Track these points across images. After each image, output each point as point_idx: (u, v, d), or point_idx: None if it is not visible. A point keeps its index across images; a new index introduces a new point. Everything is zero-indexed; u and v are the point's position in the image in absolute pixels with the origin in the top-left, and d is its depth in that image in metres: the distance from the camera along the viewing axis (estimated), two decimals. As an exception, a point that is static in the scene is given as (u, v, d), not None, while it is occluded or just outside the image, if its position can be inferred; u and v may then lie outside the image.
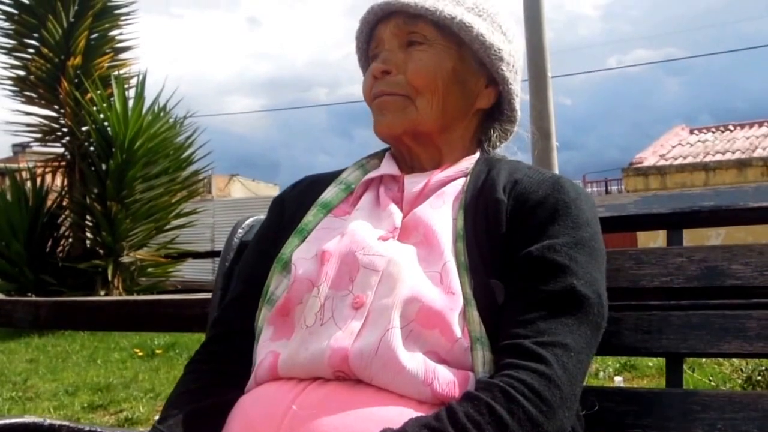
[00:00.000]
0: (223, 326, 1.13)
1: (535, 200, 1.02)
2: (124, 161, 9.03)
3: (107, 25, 10.11)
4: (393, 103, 1.12)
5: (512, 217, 1.02)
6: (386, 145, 1.22)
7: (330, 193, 1.15)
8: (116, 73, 9.75)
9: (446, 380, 0.90)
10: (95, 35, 10.01)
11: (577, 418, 0.96)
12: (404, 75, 1.12)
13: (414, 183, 1.10)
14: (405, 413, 0.87)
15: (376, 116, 1.14)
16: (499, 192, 1.04)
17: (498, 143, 1.23)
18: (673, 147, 14.93)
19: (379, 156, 1.21)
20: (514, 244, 0.99)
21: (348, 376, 0.92)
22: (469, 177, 1.09)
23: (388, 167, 1.15)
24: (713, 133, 15.60)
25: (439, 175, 1.10)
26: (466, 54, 1.14)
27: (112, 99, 9.24)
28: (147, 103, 9.45)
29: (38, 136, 10.20)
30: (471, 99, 1.16)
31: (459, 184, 1.10)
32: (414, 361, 0.91)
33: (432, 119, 1.12)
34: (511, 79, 1.17)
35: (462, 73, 1.14)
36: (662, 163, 14.02)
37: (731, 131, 15.42)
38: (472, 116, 1.17)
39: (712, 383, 3.61)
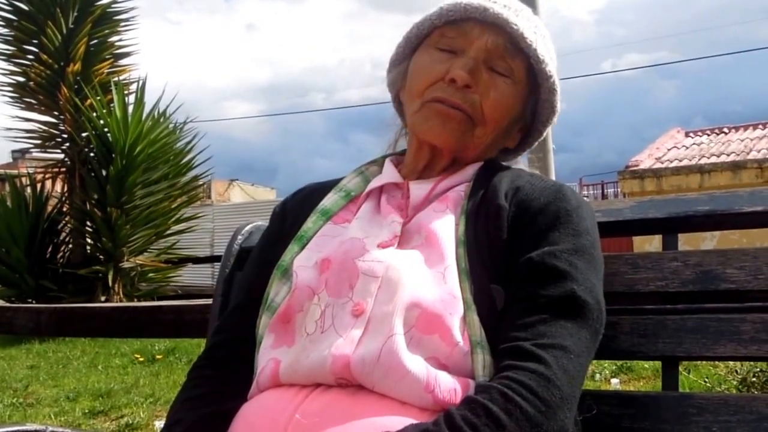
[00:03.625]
0: (226, 333, 1.13)
1: (537, 207, 1.03)
2: (124, 167, 9.00)
3: (107, 32, 10.05)
4: (457, 119, 1.10)
5: (513, 224, 1.02)
6: (385, 152, 1.22)
7: (330, 200, 1.15)
8: (116, 79, 9.70)
9: (447, 387, 0.91)
10: (95, 41, 9.95)
11: (573, 422, 0.97)
12: (479, 97, 1.10)
13: (420, 189, 1.10)
14: (406, 421, 0.87)
15: (430, 120, 1.11)
16: (501, 198, 1.04)
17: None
18: (669, 150, 14.91)
19: (378, 163, 1.21)
20: (515, 249, 1.00)
21: (350, 383, 0.93)
22: (471, 183, 1.10)
23: (389, 175, 1.15)
24: (708, 135, 15.58)
25: (443, 182, 1.11)
26: (530, 99, 1.16)
27: (111, 105, 9.19)
28: (147, 109, 9.40)
29: (38, 142, 10.14)
30: (506, 138, 1.18)
31: (461, 190, 1.10)
32: (416, 367, 0.91)
33: (477, 147, 1.13)
34: (545, 133, 1.20)
35: (519, 116, 1.16)
36: (658, 165, 14.00)
37: (726, 134, 15.40)
38: (496, 150, 1.19)
39: (707, 384, 3.62)
